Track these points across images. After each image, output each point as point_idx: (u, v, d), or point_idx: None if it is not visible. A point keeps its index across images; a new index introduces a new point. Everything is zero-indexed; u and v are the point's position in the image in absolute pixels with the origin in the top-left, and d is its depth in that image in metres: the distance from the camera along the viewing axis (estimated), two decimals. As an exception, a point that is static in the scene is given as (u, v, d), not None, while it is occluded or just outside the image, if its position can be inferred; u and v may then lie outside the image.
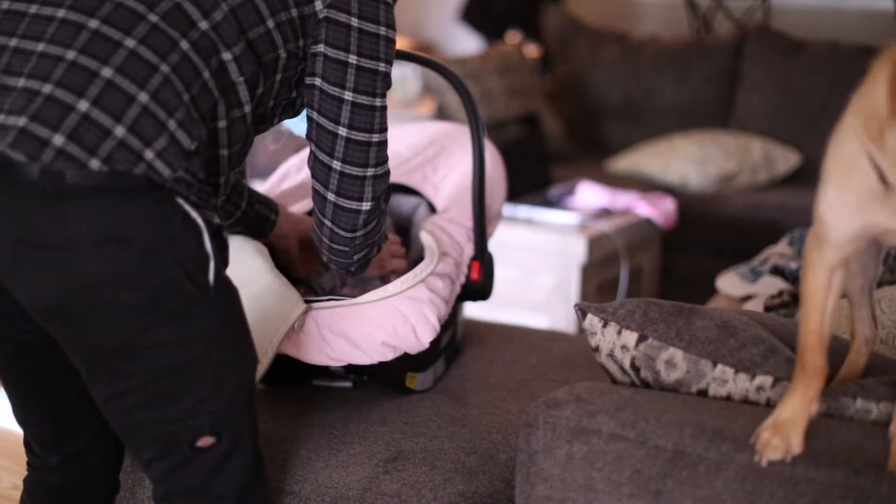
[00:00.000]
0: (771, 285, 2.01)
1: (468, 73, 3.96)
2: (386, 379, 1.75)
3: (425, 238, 1.81)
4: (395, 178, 2.03)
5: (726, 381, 1.29)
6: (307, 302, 1.64)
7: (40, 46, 1.27)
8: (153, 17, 1.30)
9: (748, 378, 1.28)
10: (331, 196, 1.50)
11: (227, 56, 1.34)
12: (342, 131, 1.46)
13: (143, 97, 1.26)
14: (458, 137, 2.10)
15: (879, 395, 1.25)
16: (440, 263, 1.76)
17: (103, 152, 1.22)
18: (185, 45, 1.30)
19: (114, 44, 1.27)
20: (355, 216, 1.51)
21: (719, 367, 1.29)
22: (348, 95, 1.45)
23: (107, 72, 1.25)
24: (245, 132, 1.41)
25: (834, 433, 1.17)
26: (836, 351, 1.30)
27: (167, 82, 1.28)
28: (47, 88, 1.24)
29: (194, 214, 1.28)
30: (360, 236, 1.53)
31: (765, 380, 1.27)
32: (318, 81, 1.44)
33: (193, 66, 1.30)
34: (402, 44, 1.52)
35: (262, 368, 1.60)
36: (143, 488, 1.64)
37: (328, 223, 1.53)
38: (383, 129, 1.49)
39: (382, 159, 1.51)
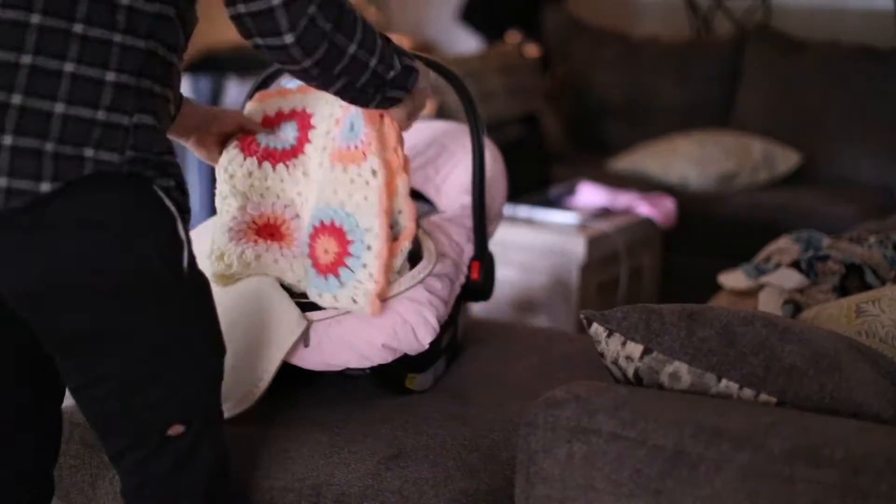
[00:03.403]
0: (788, 277, 2.00)
1: (468, 73, 3.96)
2: (386, 380, 1.76)
3: (423, 239, 1.81)
4: None
5: (731, 395, 1.29)
6: (304, 308, 1.64)
7: None
8: (35, 19, 1.23)
9: (753, 394, 1.28)
10: (259, 40, 1.36)
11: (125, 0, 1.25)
12: None
13: (60, 107, 1.22)
14: (459, 137, 2.10)
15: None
16: (438, 264, 1.76)
17: (47, 173, 1.21)
18: (79, 27, 1.23)
19: (11, 67, 1.22)
20: (287, 52, 1.36)
21: (724, 381, 1.29)
22: None
23: (16, 99, 1.22)
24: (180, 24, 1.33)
25: (832, 431, 1.17)
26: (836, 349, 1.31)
27: (77, 80, 1.23)
28: None
29: (168, 202, 1.29)
30: (311, 66, 1.38)
31: (769, 398, 1.28)
32: None
33: (98, 41, 1.24)
34: (401, 43, 1.50)
35: (262, 385, 1.60)
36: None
37: (280, 66, 1.42)
38: None
39: None
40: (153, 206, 1.28)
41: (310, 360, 1.65)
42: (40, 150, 1.22)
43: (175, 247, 1.30)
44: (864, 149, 3.96)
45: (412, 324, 1.65)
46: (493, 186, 1.98)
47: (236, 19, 1.36)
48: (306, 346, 1.64)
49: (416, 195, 2.11)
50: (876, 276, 1.97)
